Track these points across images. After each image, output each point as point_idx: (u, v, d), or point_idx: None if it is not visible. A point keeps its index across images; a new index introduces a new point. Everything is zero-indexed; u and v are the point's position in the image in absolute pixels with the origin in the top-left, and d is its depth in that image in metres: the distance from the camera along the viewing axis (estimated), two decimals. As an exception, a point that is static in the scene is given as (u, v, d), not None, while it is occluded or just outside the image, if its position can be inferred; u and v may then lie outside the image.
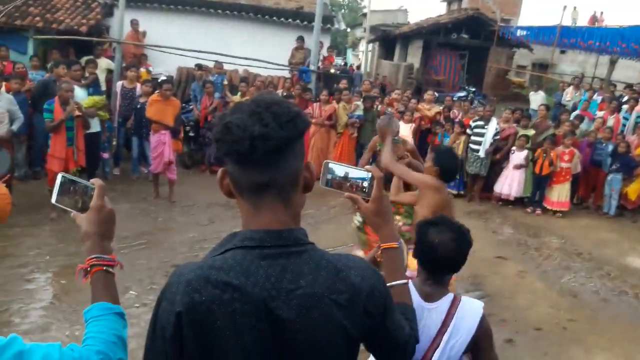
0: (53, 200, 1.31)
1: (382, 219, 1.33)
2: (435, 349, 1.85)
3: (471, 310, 1.92)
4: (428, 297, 1.92)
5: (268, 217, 1.08)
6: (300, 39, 11.70)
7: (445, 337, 1.85)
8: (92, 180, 1.33)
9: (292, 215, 1.11)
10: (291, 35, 12.10)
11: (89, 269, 1.24)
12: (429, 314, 1.90)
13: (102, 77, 9.45)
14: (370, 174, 1.29)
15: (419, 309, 1.80)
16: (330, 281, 1.06)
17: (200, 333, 1.02)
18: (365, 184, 1.28)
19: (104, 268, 1.25)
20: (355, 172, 1.29)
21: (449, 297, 1.94)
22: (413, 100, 9.81)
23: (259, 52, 10.82)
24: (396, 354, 1.19)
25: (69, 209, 1.31)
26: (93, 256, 1.25)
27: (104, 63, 9.76)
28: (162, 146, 7.37)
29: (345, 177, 1.28)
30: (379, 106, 9.85)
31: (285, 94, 9.36)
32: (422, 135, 9.61)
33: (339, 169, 1.28)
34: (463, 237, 1.95)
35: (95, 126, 7.37)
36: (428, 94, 10.03)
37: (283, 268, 1.05)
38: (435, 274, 1.95)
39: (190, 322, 1.02)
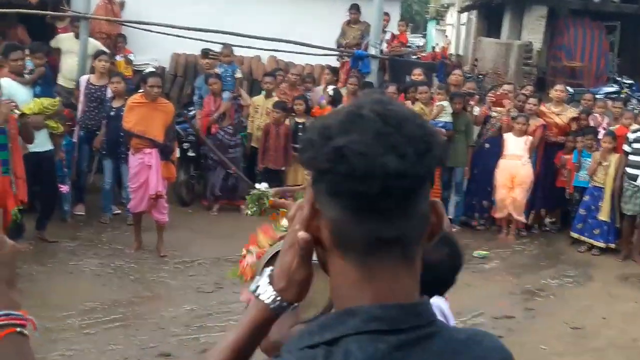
0: None
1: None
2: None
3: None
4: None
5: (387, 285, 1.13)
6: (355, 9, 11.88)
7: None
8: None
9: (417, 279, 1.18)
10: (340, 4, 12.32)
11: None
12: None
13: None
14: None
15: None
16: None
17: None
18: None
19: (18, 329, 1.30)
20: None
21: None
22: (532, 100, 9.70)
23: (291, 29, 11.06)
24: None
25: None
26: (1, 313, 1.30)
27: (67, 43, 10.16)
28: (146, 172, 7.54)
29: None
30: (476, 108, 9.85)
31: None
32: (548, 153, 9.49)
33: None
34: (458, 250, 2.49)
35: (44, 143, 7.56)
36: (557, 90, 9.90)
37: None
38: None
39: None
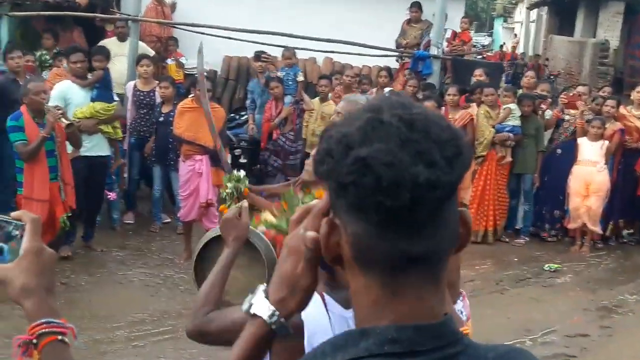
0: None
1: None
2: None
3: None
4: (348, 303, 2.19)
5: (412, 305, 1.11)
6: (416, 7, 11.80)
7: None
8: (15, 214, 1.42)
9: (443, 296, 1.16)
10: (399, 2, 12.26)
11: (35, 340, 1.32)
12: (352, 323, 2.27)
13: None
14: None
15: (343, 320, 2.21)
16: None
17: None
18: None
19: (59, 337, 1.33)
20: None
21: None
22: (610, 102, 9.50)
23: (347, 29, 11.04)
24: None
25: None
26: (42, 321, 1.33)
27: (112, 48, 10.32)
28: (196, 179, 7.65)
29: None
30: (549, 111, 9.68)
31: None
32: (628, 160, 9.30)
33: None
34: None
35: (99, 148, 7.73)
36: (639, 92, 9.67)
37: None
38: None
39: None
